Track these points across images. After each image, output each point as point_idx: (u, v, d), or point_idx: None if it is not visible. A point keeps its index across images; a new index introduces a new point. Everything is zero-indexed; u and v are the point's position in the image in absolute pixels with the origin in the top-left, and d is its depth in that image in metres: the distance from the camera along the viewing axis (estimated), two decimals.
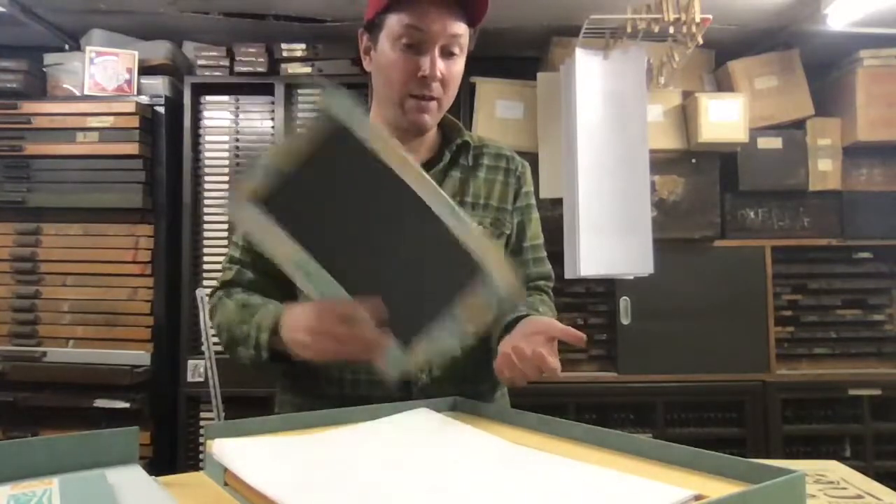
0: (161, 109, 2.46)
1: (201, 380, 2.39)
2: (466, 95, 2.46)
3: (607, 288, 2.44)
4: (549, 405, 2.05)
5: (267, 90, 2.51)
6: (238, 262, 1.12)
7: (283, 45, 2.51)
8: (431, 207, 0.81)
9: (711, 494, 0.52)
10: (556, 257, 1.98)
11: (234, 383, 1.97)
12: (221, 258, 2.51)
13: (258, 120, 2.54)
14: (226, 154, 2.52)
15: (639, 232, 2.25)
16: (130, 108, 2.38)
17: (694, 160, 2.44)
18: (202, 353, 2.18)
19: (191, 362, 2.42)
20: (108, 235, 2.39)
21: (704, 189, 2.45)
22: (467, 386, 1.03)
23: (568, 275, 2.23)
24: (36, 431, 2.30)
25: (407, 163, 0.80)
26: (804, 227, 2.50)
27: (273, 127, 2.51)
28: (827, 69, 2.64)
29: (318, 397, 0.96)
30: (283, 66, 2.52)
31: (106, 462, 0.66)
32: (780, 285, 2.47)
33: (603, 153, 2.23)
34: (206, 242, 2.49)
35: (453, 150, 1.14)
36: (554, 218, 2.30)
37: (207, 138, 2.53)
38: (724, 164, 2.47)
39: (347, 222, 0.84)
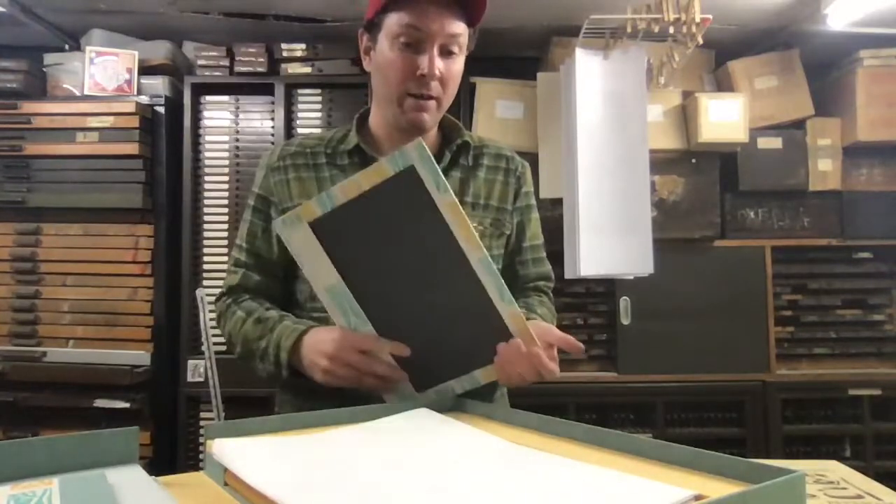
0: (161, 109, 2.46)
1: (201, 380, 2.39)
2: (466, 95, 2.46)
3: (607, 288, 2.44)
4: (549, 405, 2.05)
5: (267, 90, 2.51)
6: (243, 265, 1.13)
7: (283, 45, 2.51)
8: (479, 275, 0.83)
9: (711, 494, 0.52)
10: (556, 257, 1.98)
11: (234, 383, 1.96)
12: (221, 258, 2.54)
13: (258, 120, 2.54)
14: (226, 154, 2.52)
15: (639, 232, 2.25)
16: (130, 108, 2.38)
17: (694, 160, 2.44)
18: (202, 353, 2.18)
19: (191, 362, 2.42)
20: (108, 235, 2.39)
21: (704, 189, 2.45)
22: None
23: (568, 275, 2.23)
24: (36, 431, 2.30)
25: (468, 228, 0.81)
26: (804, 227, 2.50)
27: (273, 127, 2.51)
28: (827, 69, 2.64)
29: (319, 397, 0.96)
30: (283, 66, 2.52)
31: (106, 462, 0.66)
32: (780, 285, 2.47)
33: (603, 153, 2.23)
34: (206, 242, 2.49)
35: (453, 151, 1.14)
36: (554, 218, 2.30)
37: (207, 138, 2.53)
38: (724, 164, 2.47)
39: (392, 263, 0.86)
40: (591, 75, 2.25)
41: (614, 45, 2.27)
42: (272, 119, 2.52)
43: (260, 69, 2.51)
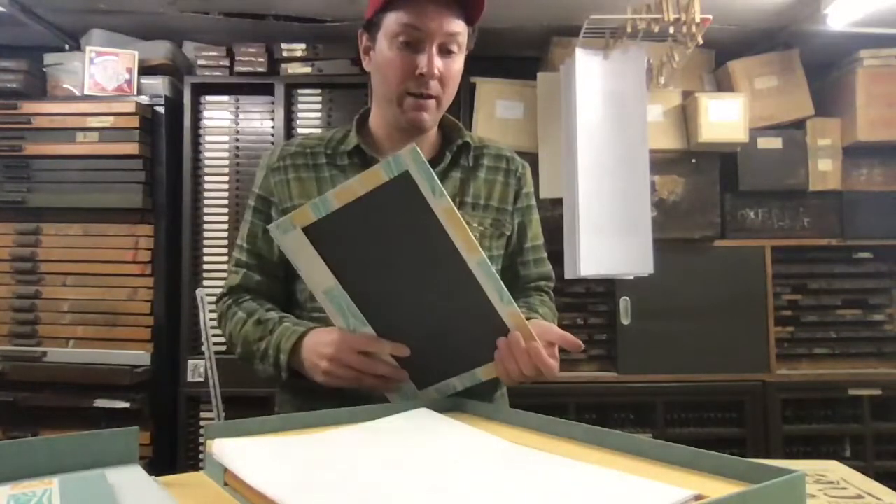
0: (161, 109, 2.46)
1: (201, 380, 2.39)
2: (466, 95, 2.46)
3: (607, 288, 2.44)
4: (549, 405, 2.05)
5: (267, 90, 2.51)
6: (244, 265, 1.13)
7: (283, 45, 2.51)
8: (477, 278, 0.83)
9: (711, 494, 0.52)
10: (556, 257, 1.98)
11: (234, 383, 1.97)
12: (221, 258, 2.54)
13: (258, 120, 2.54)
14: (226, 154, 2.52)
15: (639, 232, 2.25)
16: (130, 108, 2.38)
17: (694, 160, 2.44)
18: (202, 353, 2.18)
19: (191, 362, 2.42)
20: (108, 235, 2.39)
21: (704, 189, 2.45)
22: None
23: (568, 275, 2.23)
24: (36, 431, 2.30)
25: (465, 231, 0.81)
26: (804, 227, 2.50)
27: (273, 127, 2.51)
28: (827, 69, 2.64)
29: (318, 397, 0.96)
30: (283, 66, 2.52)
31: (106, 462, 0.66)
32: (780, 285, 2.47)
33: (603, 153, 2.23)
34: (206, 242, 2.49)
35: (454, 151, 1.14)
36: (554, 218, 2.30)
37: (207, 138, 2.53)
38: (724, 164, 2.47)
39: (389, 267, 0.86)
40: (591, 75, 2.25)
41: (614, 45, 2.27)
42: (272, 119, 2.52)
43: (260, 69, 2.51)
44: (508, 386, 1.17)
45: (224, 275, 1.17)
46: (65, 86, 2.52)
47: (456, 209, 0.80)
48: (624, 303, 2.41)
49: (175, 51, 2.62)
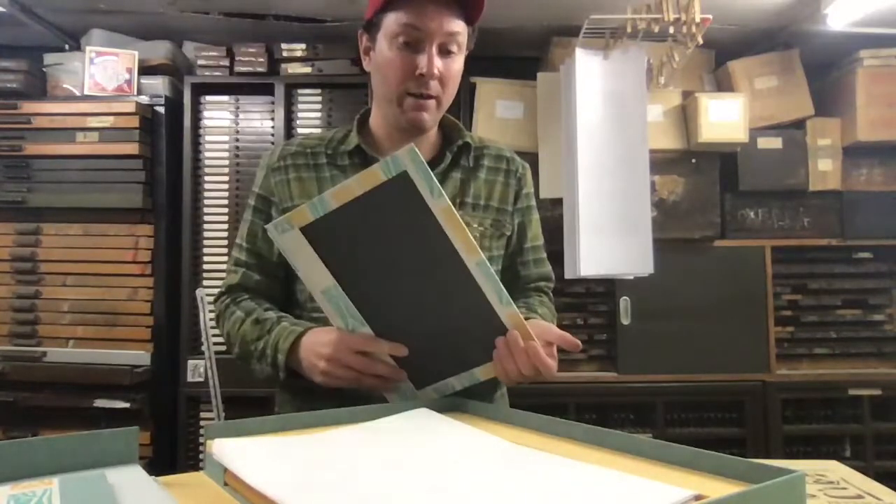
0: (161, 109, 2.46)
1: (201, 380, 2.39)
2: (466, 95, 2.46)
3: (607, 288, 2.44)
4: (549, 405, 2.05)
5: (267, 90, 2.51)
6: (243, 264, 1.13)
7: (283, 45, 2.51)
8: (476, 279, 0.83)
9: (711, 494, 0.52)
10: (556, 257, 1.98)
11: (234, 383, 1.97)
12: (221, 258, 2.53)
13: (258, 120, 2.54)
14: (226, 154, 2.52)
15: (639, 232, 2.25)
16: (130, 108, 2.38)
17: (694, 160, 2.44)
18: (202, 353, 2.18)
19: (191, 362, 2.42)
20: (108, 235, 2.39)
21: (704, 189, 2.45)
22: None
23: (568, 275, 2.23)
24: (36, 431, 2.29)
25: (464, 232, 0.81)
26: (804, 227, 2.50)
27: (273, 127, 2.51)
28: (827, 69, 2.64)
29: (318, 397, 0.96)
30: (283, 66, 2.52)
31: (106, 462, 0.66)
32: (780, 285, 2.47)
33: (603, 153, 2.23)
34: (206, 242, 2.49)
35: (454, 151, 1.14)
36: (554, 218, 2.30)
37: (207, 138, 2.53)
38: (724, 164, 2.47)
39: (387, 267, 0.86)
40: (591, 75, 2.25)
41: (614, 45, 2.27)
42: (272, 119, 2.52)
43: (260, 69, 2.51)
44: (507, 386, 1.17)
45: (224, 275, 1.17)
46: (65, 86, 2.52)
47: (454, 209, 0.80)
48: (624, 303, 2.41)
49: (175, 51, 2.62)
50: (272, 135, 2.51)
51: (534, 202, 1.23)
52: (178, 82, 2.57)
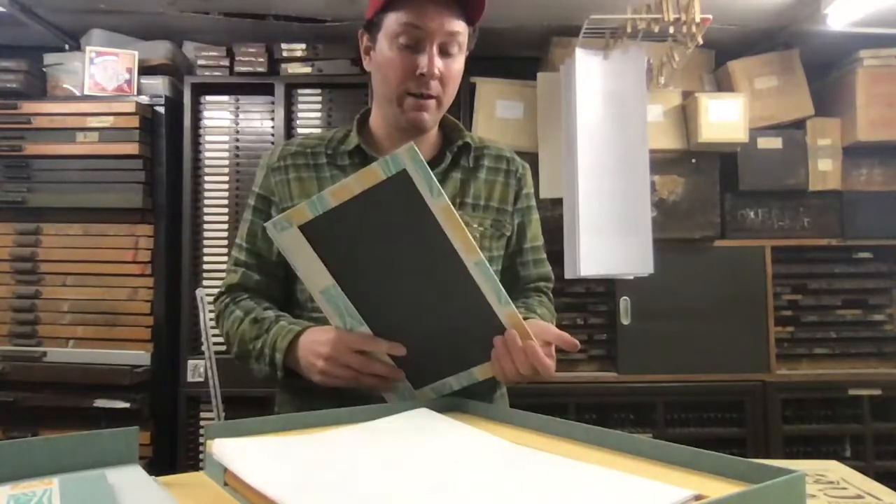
0: (161, 109, 2.46)
1: (201, 380, 2.39)
2: (466, 95, 2.46)
3: (607, 288, 2.44)
4: (549, 405, 2.05)
5: (267, 90, 2.51)
6: (243, 264, 1.13)
7: (283, 45, 2.51)
8: (475, 278, 0.83)
9: (711, 494, 0.52)
10: (556, 257, 1.98)
11: (234, 383, 1.97)
12: (221, 258, 2.53)
13: (258, 120, 2.54)
14: (226, 154, 2.52)
15: (639, 232, 2.25)
16: (130, 108, 2.38)
17: (694, 160, 2.44)
18: (202, 353, 2.18)
19: (191, 362, 2.42)
20: (108, 235, 2.39)
21: (704, 189, 2.45)
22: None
23: (568, 275, 2.23)
24: (36, 431, 2.30)
25: (463, 231, 0.81)
26: (804, 227, 2.50)
27: (273, 127, 2.51)
28: (827, 69, 2.64)
29: (318, 397, 0.96)
30: (283, 66, 2.52)
31: (106, 462, 0.66)
32: (780, 285, 2.46)
33: (603, 153, 2.23)
34: (206, 242, 2.49)
35: (454, 152, 1.14)
36: (554, 218, 2.30)
37: (207, 138, 2.53)
38: (724, 164, 2.47)
39: (386, 266, 0.86)
40: (591, 75, 2.25)
41: (614, 45, 2.27)
42: (272, 119, 2.52)
43: (260, 69, 2.51)
44: (506, 385, 1.17)
45: (223, 274, 1.17)
46: (65, 86, 2.52)
47: (454, 209, 0.80)
48: (624, 303, 2.41)
49: (175, 51, 2.62)
50: (272, 135, 2.51)
51: (534, 202, 1.23)
52: (178, 82, 2.57)
